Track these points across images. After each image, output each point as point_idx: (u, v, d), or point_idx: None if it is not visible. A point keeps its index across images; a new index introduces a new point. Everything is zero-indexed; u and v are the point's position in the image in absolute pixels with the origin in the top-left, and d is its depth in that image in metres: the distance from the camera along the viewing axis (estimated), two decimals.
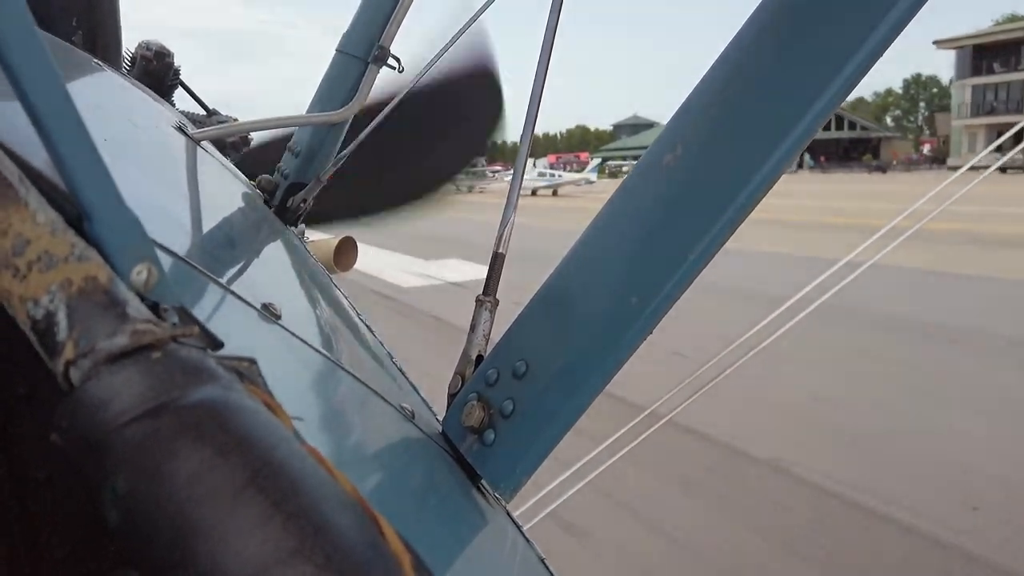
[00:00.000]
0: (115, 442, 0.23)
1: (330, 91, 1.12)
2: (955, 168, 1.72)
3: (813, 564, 2.99)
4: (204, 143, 1.01)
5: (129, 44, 1.49)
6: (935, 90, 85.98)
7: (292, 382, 0.50)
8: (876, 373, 5.41)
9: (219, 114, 1.79)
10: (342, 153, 1.13)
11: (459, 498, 0.57)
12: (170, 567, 0.21)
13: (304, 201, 1.14)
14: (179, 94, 1.67)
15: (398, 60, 1.10)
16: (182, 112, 1.53)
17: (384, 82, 1.12)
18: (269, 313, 0.54)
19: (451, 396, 0.63)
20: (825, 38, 0.47)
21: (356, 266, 1.64)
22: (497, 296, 0.65)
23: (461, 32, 1.01)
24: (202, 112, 1.78)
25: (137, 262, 0.29)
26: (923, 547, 3.09)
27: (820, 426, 4.41)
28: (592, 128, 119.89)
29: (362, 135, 1.07)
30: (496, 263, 0.64)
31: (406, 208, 1.77)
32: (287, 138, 1.20)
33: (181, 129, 0.98)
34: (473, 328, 0.64)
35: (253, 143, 1.75)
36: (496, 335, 0.63)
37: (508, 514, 0.62)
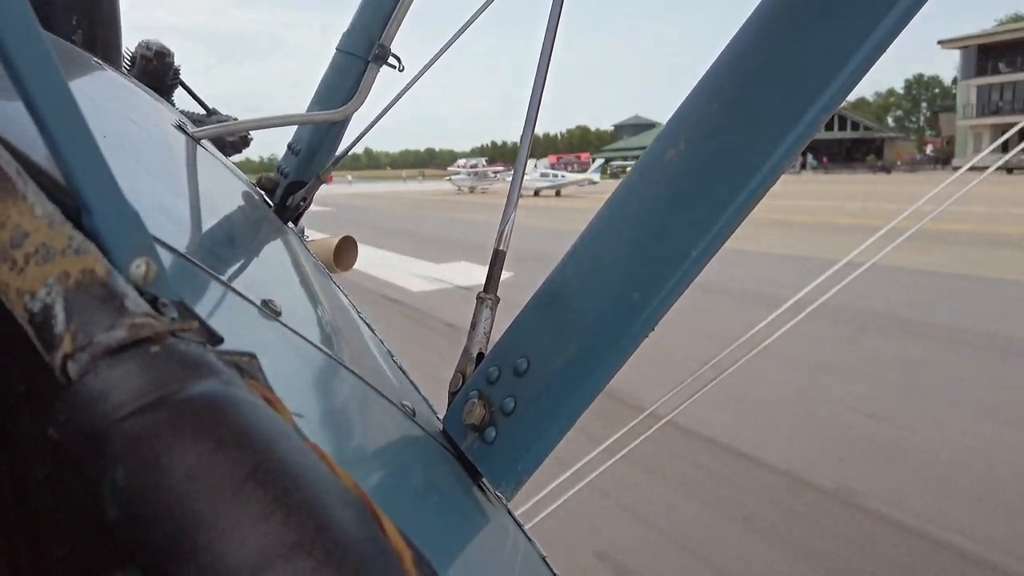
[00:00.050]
0: (114, 435, 0.22)
1: (330, 90, 1.11)
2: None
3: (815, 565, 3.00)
4: (204, 142, 1.01)
5: (129, 44, 1.49)
6: (937, 90, 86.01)
7: (292, 378, 0.50)
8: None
9: (219, 113, 1.79)
10: (342, 152, 1.13)
11: (460, 495, 0.56)
12: (170, 560, 0.20)
13: (304, 199, 1.14)
14: (179, 93, 1.67)
15: (398, 59, 1.09)
16: (182, 111, 1.53)
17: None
18: (269, 310, 0.54)
19: (452, 394, 0.62)
20: (826, 37, 0.47)
21: (361, 268, 1.64)
22: (498, 295, 0.65)
23: (461, 32, 1.01)
24: (202, 111, 1.77)
25: (136, 256, 0.28)
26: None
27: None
28: (593, 128, 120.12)
29: (362, 135, 1.07)
30: (497, 260, 0.63)
31: None
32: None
33: (181, 128, 0.98)
34: (474, 326, 0.64)
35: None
36: (496, 335, 0.63)
37: (509, 512, 0.62)
